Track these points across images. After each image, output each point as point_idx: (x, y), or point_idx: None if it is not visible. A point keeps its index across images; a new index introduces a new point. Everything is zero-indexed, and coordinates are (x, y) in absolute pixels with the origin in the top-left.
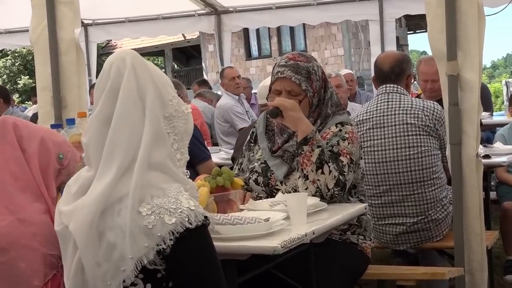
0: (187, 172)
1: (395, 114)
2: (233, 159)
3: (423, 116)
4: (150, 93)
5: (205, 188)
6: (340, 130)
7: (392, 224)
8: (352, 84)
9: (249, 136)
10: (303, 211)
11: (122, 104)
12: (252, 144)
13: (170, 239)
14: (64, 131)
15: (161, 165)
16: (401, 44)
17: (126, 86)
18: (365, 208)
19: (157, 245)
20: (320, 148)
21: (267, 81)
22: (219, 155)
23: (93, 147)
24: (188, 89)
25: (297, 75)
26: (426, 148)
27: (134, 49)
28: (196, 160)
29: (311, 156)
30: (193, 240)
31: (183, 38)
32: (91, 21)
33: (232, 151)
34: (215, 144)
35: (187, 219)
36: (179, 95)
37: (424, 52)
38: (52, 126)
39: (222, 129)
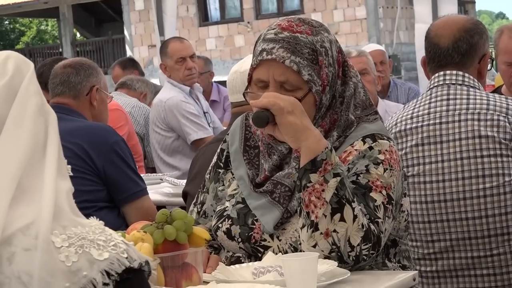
0: None
1: (460, 121)
2: (185, 195)
3: (507, 124)
4: (53, 114)
5: (146, 245)
6: (371, 148)
7: None
8: (383, 69)
9: (216, 157)
10: (311, 283)
11: (21, 107)
12: (221, 171)
13: (105, 284)
14: None
15: (69, 201)
16: (463, 0)
17: (28, 89)
18: (414, 279)
19: None
20: (339, 178)
21: (245, 64)
22: (160, 188)
23: None
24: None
25: (295, 56)
26: None
27: (8, 6)
28: (122, 197)
29: (323, 191)
30: (139, 286)
31: None
32: None
33: (183, 181)
34: (151, 169)
35: (125, 256)
36: (94, 86)
37: (501, 15)
38: None
39: (164, 142)
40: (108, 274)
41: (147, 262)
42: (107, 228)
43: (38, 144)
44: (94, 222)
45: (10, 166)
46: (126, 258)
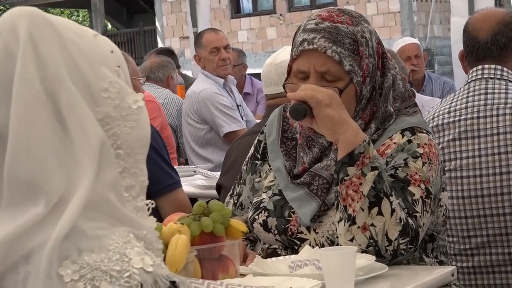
0: (150, 203)
1: (498, 115)
2: (219, 187)
3: None
4: (66, 82)
5: (183, 237)
6: (410, 142)
7: None
8: (418, 63)
9: (253, 148)
10: (349, 278)
11: (21, 107)
12: (258, 162)
13: None
14: None
15: (97, 199)
16: None
17: (22, 76)
18: (452, 275)
19: None
20: (377, 172)
21: (280, 56)
22: (194, 180)
23: None
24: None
25: (337, 46)
26: None
27: None
28: (156, 190)
29: (360, 184)
30: None
31: None
32: None
33: (217, 173)
34: (185, 161)
35: None
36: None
37: None
38: None
39: (196, 134)
40: None
41: (173, 285)
42: (128, 252)
43: (51, 150)
44: (115, 244)
45: (30, 181)
46: None
